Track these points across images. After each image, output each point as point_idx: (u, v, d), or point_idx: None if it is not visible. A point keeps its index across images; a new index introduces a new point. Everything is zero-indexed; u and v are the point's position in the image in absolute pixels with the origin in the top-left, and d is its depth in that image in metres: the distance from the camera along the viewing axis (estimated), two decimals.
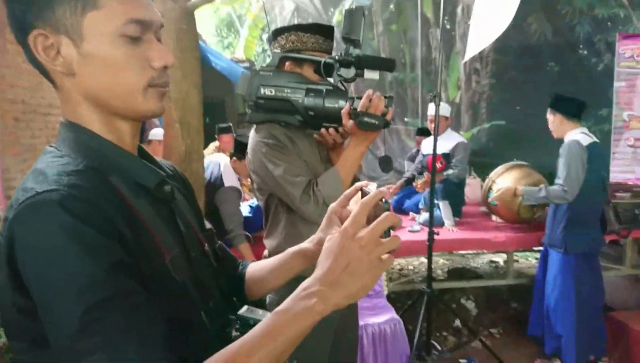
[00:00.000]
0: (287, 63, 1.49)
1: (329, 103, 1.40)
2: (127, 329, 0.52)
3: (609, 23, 6.52)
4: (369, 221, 0.71)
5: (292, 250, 0.86)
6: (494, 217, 3.50)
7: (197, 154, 2.86)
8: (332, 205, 0.81)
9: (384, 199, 0.62)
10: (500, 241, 3.05)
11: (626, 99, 3.95)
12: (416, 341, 2.74)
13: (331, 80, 1.47)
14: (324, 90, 1.42)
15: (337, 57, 1.40)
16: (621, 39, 4.01)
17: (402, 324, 2.65)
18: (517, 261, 4.28)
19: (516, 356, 3.00)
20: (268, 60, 1.53)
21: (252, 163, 1.51)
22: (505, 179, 3.16)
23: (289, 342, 0.56)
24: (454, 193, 3.48)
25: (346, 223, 0.59)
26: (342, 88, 1.45)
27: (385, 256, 0.59)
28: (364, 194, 0.74)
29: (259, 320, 0.74)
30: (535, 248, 3.33)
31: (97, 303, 0.51)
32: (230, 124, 4.58)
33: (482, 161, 4.93)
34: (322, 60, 1.43)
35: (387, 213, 0.59)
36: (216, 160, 3.11)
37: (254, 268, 0.92)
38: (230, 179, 2.93)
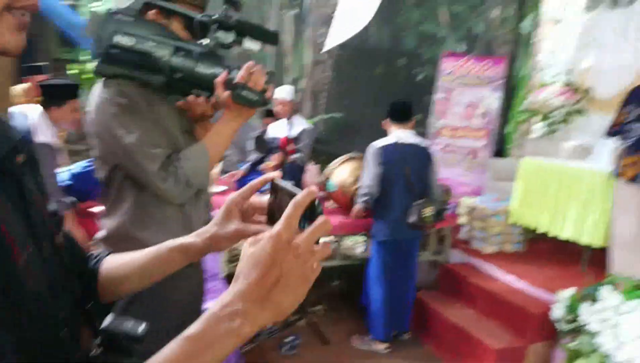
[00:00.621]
0: (151, 12, 1.25)
1: (202, 68, 1.23)
2: None
3: (431, 39, 7.53)
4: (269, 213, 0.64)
5: (170, 245, 0.71)
6: (327, 203, 3.69)
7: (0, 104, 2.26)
8: (232, 195, 0.69)
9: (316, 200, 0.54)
10: (334, 225, 3.23)
11: (442, 109, 4.62)
12: None
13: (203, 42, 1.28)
14: (197, 51, 1.23)
15: (216, 17, 1.23)
16: (445, 56, 4.65)
17: None
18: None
19: (337, 331, 3.25)
20: None
21: (95, 124, 1.23)
22: (343, 170, 3.36)
23: None
24: (296, 177, 3.56)
25: (278, 227, 0.49)
26: (217, 53, 1.28)
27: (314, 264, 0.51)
28: (274, 187, 0.64)
29: (132, 334, 0.59)
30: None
31: None
32: (45, 63, 3.79)
33: (320, 149, 5.17)
34: (198, 17, 1.24)
35: (324, 217, 0.51)
36: (22, 110, 2.51)
37: (112, 263, 0.73)
38: (43, 134, 2.41)
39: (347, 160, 3.40)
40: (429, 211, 2.79)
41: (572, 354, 2.44)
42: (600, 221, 3.15)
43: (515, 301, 2.98)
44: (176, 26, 1.27)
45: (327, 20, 6.64)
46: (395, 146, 2.90)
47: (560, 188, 3.47)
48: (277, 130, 3.63)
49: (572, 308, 2.55)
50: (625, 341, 2.10)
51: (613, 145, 4.21)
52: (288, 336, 3.02)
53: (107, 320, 0.61)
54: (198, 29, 1.25)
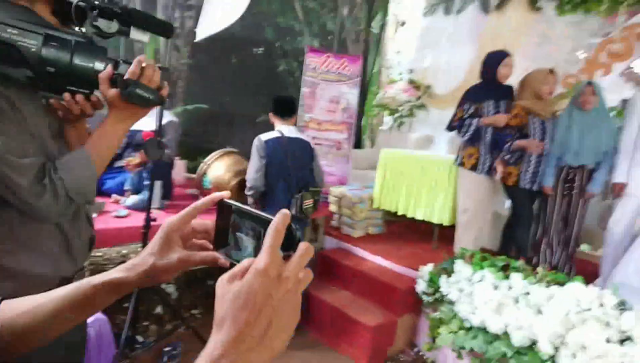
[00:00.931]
0: None
1: (80, 61, 1.05)
2: None
3: (289, 32, 7.68)
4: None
5: (94, 282, 0.59)
6: None
7: None
8: (171, 220, 0.61)
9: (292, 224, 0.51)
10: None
11: (309, 103, 4.76)
12: (123, 338, 2.49)
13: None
14: (73, 41, 1.04)
15: (97, 2, 1.06)
16: (309, 51, 4.78)
17: (108, 323, 2.33)
18: None
19: None
20: None
21: None
22: (219, 165, 3.24)
23: None
24: (164, 174, 3.32)
25: (265, 260, 0.44)
26: (97, 45, 1.11)
27: None
28: (223, 208, 0.58)
29: None
30: None
31: None
32: None
33: (184, 142, 4.89)
34: (74, 0, 1.05)
35: (305, 243, 0.49)
36: None
37: (11, 313, 0.59)
38: None
39: (222, 155, 3.29)
40: (309, 203, 2.88)
41: (435, 322, 2.79)
42: (447, 203, 3.64)
43: (384, 280, 3.27)
44: (42, 10, 1.06)
45: (181, 4, 6.26)
46: (279, 139, 2.93)
47: (414, 174, 3.91)
48: (139, 123, 3.31)
49: (433, 281, 2.91)
50: (478, 306, 2.49)
51: (450, 136, 4.88)
52: (166, 346, 2.82)
53: None
54: (72, 15, 1.06)
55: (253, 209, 0.55)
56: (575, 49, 4.41)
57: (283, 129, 2.96)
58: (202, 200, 0.62)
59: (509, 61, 3.24)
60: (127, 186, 3.26)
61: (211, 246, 0.64)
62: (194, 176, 4.64)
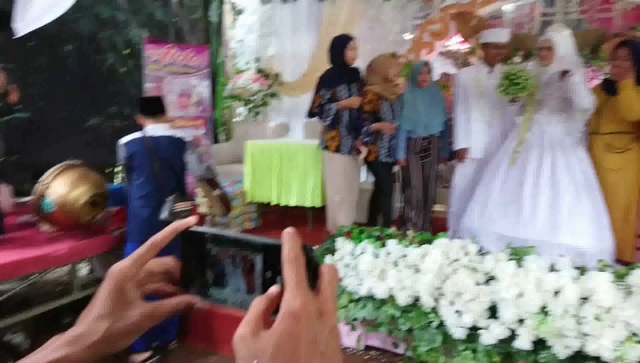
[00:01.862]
0: None
1: None
2: None
3: (110, 24, 6.93)
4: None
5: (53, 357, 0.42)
6: (43, 227, 3.00)
7: None
8: (120, 267, 0.45)
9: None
10: (63, 253, 2.68)
11: None
12: None
13: None
14: None
15: None
16: (147, 42, 4.36)
17: None
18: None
19: None
20: None
21: None
22: (61, 183, 2.77)
23: None
24: None
25: (297, 300, 0.36)
26: None
27: None
28: (188, 238, 0.47)
29: None
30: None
31: None
32: None
33: (8, 161, 4.06)
34: None
35: (329, 265, 0.41)
36: None
37: None
38: None
39: (63, 170, 2.82)
40: (182, 206, 2.68)
41: None
42: (316, 186, 3.76)
43: None
44: None
45: None
46: (141, 140, 2.72)
47: (282, 163, 3.93)
48: None
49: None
50: (364, 276, 2.63)
51: (304, 122, 5.02)
52: None
53: None
54: None
55: (237, 234, 0.45)
56: (403, 31, 4.90)
57: (148, 128, 2.74)
58: (161, 233, 0.47)
59: (354, 44, 3.44)
60: None
61: (170, 289, 0.50)
62: (26, 200, 3.90)
